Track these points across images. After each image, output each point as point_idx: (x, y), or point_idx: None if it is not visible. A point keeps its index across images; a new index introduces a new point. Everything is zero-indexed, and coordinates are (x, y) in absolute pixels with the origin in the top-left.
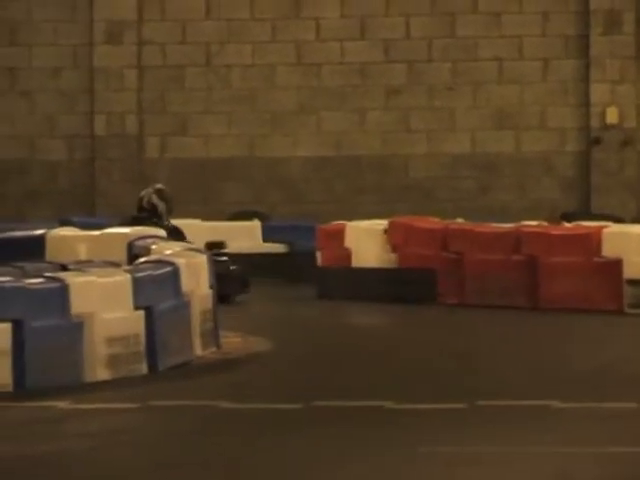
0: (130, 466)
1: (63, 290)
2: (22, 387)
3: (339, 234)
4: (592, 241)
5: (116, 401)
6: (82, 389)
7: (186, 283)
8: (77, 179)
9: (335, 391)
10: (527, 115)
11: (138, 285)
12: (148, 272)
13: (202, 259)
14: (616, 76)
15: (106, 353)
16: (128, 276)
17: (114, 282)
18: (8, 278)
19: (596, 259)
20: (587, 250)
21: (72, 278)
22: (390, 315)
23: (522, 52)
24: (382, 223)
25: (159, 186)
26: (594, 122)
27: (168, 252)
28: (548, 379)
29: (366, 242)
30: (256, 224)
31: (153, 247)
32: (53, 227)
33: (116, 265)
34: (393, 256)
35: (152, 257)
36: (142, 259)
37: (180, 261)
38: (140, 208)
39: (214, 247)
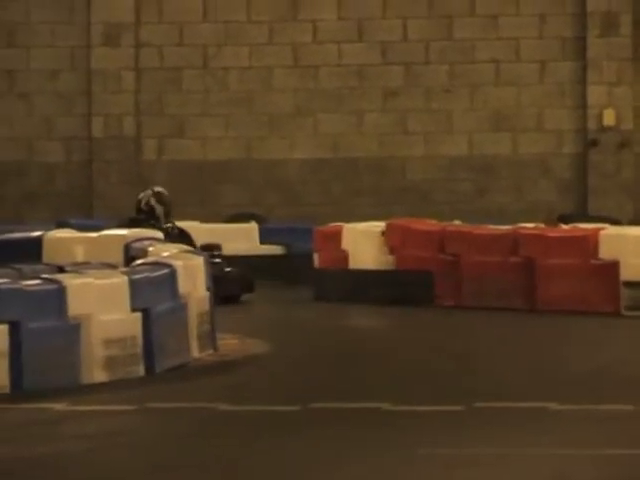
0: (127, 468)
1: (60, 292)
2: (19, 389)
3: (336, 236)
4: (589, 243)
5: (113, 403)
6: (79, 391)
7: (183, 285)
8: (75, 181)
9: (333, 393)
10: (524, 117)
11: (135, 287)
12: (145, 274)
13: (199, 261)
14: (613, 78)
15: (103, 355)
16: (125, 278)
17: (111, 284)
18: (5, 280)
19: (593, 261)
20: (584, 252)
21: (69, 280)
22: (387, 317)
23: (519, 54)
24: (379, 225)
25: (158, 189)
26: (591, 124)
27: (165, 254)
28: (545, 381)
29: (363, 244)
30: (253, 226)
31: (150, 249)
32: (50, 229)
33: (113, 267)
34: (390, 258)
35: (149, 259)
36: (139, 261)
37: (177, 263)
38: (138, 210)
39: (209, 250)
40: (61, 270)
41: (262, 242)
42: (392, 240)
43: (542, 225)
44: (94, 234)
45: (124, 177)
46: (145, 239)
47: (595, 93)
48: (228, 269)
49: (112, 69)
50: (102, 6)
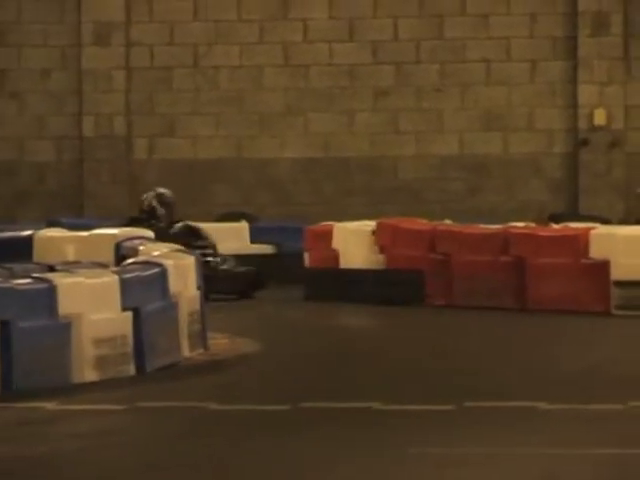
0: (118, 467)
1: (51, 291)
2: (9, 388)
3: (327, 235)
4: (580, 242)
5: (104, 402)
6: (70, 390)
7: (174, 284)
8: (65, 180)
9: (323, 392)
10: (515, 116)
11: (126, 286)
12: (136, 273)
13: (190, 260)
14: (604, 77)
15: (94, 354)
16: (116, 277)
17: (102, 283)
18: None
19: (584, 260)
20: (575, 251)
21: (60, 279)
22: (378, 316)
23: (510, 53)
24: (370, 224)
25: (161, 190)
26: (582, 123)
27: (156, 253)
28: (536, 380)
29: (354, 243)
30: (244, 225)
31: (141, 248)
32: (41, 228)
33: (104, 266)
34: (381, 257)
35: (140, 258)
36: (130, 260)
37: (168, 262)
38: (141, 211)
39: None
40: (52, 269)
41: (253, 241)
42: (382, 239)
43: (533, 224)
44: (85, 233)
45: (115, 176)
46: (136, 238)
47: (586, 92)
48: (243, 267)
49: (103, 68)
50: (93, 5)
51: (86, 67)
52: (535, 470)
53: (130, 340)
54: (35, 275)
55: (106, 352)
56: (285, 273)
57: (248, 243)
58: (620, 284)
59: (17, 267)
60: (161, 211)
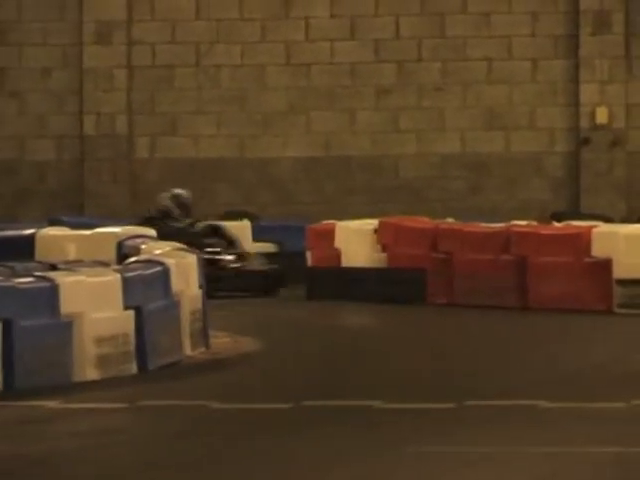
0: (119, 466)
1: (53, 290)
2: (11, 387)
3: (329, 234)
4: (582, 241)
5: (105, 401)
6: (71, 389)
7: (176, 283)
8: (66, 179)
9: (325, 391)
10: (516, 115)
11: (128, 285)
12: (138, 272)
13: (192, 259)
14: (605, 76)
15: (95, 353)
16: (118, 276)
17: (104, 282)
18: None
19: (586, 259)
20: (577, 250)
21: (62, 278)
22: (379, 315)
23: (511, 52)
24: (372, 223)
25: (177, 191)
26: (583, 122)
27: (158, 252)
28: (537, 379)
29: (356, 242)
30: (246, 224)
31: (143, 247)
32: (43, 227)
33: (106, 265)
34: (383, 256)
35: (142, 257)
36: (132, 259)
37: (170, 261)
38: (157, 210)
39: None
40: (54, 268)
41: (255, 240)
42: (384, 238)
43: (534, 223)
44: (87, 232)
45: (116, 176)
46: (138, 237)
47: (587, 91)
48: (266, 266)
49: (104, 67)
50: (94, 4)
51: (87, 66)
52: (536, 469)
53: (132, 339)
54: (37, 274)
55: (108, 351)
56: (287, 272)
57: (250, 242)
58: (622, 282)
59: (19, 266)
60: (176, 211)
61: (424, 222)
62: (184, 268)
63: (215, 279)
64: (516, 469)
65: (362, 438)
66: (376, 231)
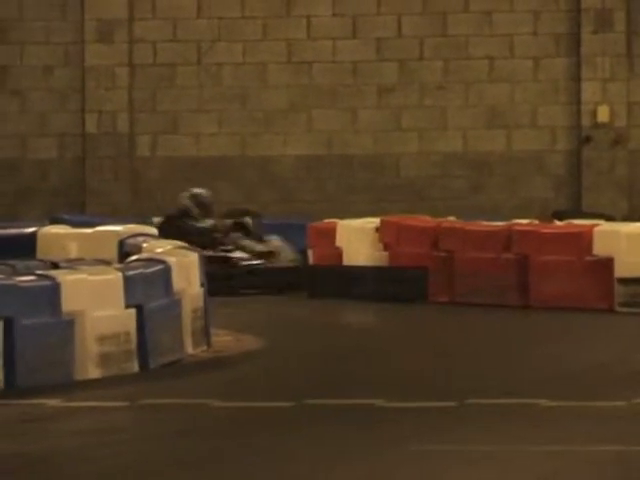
0: (121, 464)
1: (54, 288)
2: (13, 385)
3: (330, 232)
4: (583, 240)
5: (107, 399)
6: (73, 387)
7: (177, 281)
8: (68, 177)
9: (326, 389)
10: (518, 114)
11: (129, 283)
12: (139, 270)
13: (193, 258)
14: (607, 74)
15: (97, 351)
16: (119, 274)
17: (105, 280)
18: None
19: (587, 258)
20: (578, 249)
21: (63, 276)
22: (381, 313)
23: (513, 51)
24: (373, 221)
25: (196, 191)
26: (585, 121)
27: (159, 250)
28: (538, 377)
29: (357, 241)
30: (248, 222)
31: (144, 245)
32: (44, 225)
33: (107, 263)
34: (384, 254)
35: (143, 255)
36: (133, 257)
37: (171, 259)
38: (177, 209)
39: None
40: (55, 266)
41: None
42: (386, 236)
43: (536, 221)
44: (88, 230)
45: (118, 173)
46: (139, 235)
47: (589, 89)
48: (285, 264)
49: (106, 65)
50: (96, 2)
51: (89, 64)
52: (538, 467)
53: (133, 337)
54: (38, 272)
55: (109, 349)
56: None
57: None
58: (624, 281)
59: (20, 264)
60: (195, 210)
61: (426, 221)
62: (185, 266)
63: (226, 277)
64: (518, 468)
65: (364, 436)
66: (377, 229)
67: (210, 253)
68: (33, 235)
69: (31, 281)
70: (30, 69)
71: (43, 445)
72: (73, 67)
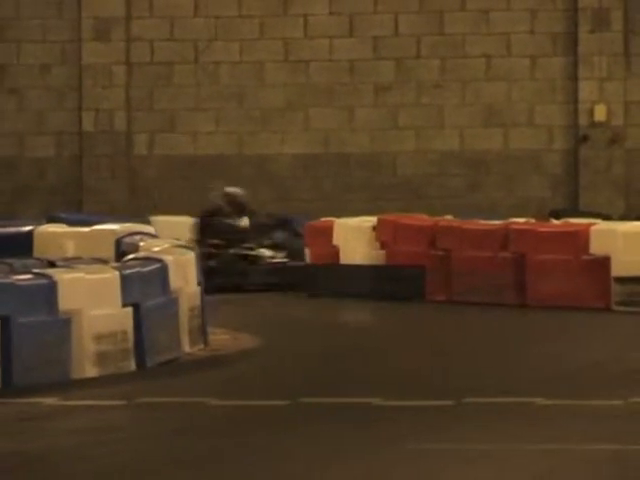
0: (118, 463)
1: (51, 287)
2: (9, 383)
3: (327, 231)
4: (580, 238)
5: (104, 398)
6: (70, 386)
7: (174, 280)
8: (65, 176)
9: (323, 388)
10: (515, 112)
11: (126, 282)
12: (136, 269)
13: (190, 256)
14: (604, 73)
15: (94, 350)
16: (116, 273)
17: (102, 279)
18: None
19: (584, 256)
20: (575, 247)
21: (60, 275)
22: (378, 312)
23: (510, 49)
24: (370, 220)
25: (229, 190)
26: (582, 120)
27: (156, 249)
28: (535, 376)
29: (354, 239)
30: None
31: (141, 244)
32: (41, 223)
33: (104, 262)
34: (381, 253)
35: (140, 254)
36: (130, 256)
37: (168, 258)
38: (210, 208)
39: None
40: (52, 265)
41: None
42: (383, 235)
43: (533, 220)
44: (85, 229)
45: (115, 172)
46: (136, 234)
47: (586, 89)
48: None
49: (103, 64)
50: (93, 1)
51: (86, 62)
52: (534, 466)
53: (130, 336)
54: (35, 271)
55: (106, 348)
56: None
57: None
58: (620, 280)
59: (17, 262)
60: (227, 208)
61: (423, 219)
62: (182, 265)
63: (243, 273)
64: (514, 466)
65: (361, 435)
66: (375, 228)
67: (232, 250)
68: (30, 234)
69: (28, 280)
70: (27, 67)
71: (40, 444)
72: (70, 65)
